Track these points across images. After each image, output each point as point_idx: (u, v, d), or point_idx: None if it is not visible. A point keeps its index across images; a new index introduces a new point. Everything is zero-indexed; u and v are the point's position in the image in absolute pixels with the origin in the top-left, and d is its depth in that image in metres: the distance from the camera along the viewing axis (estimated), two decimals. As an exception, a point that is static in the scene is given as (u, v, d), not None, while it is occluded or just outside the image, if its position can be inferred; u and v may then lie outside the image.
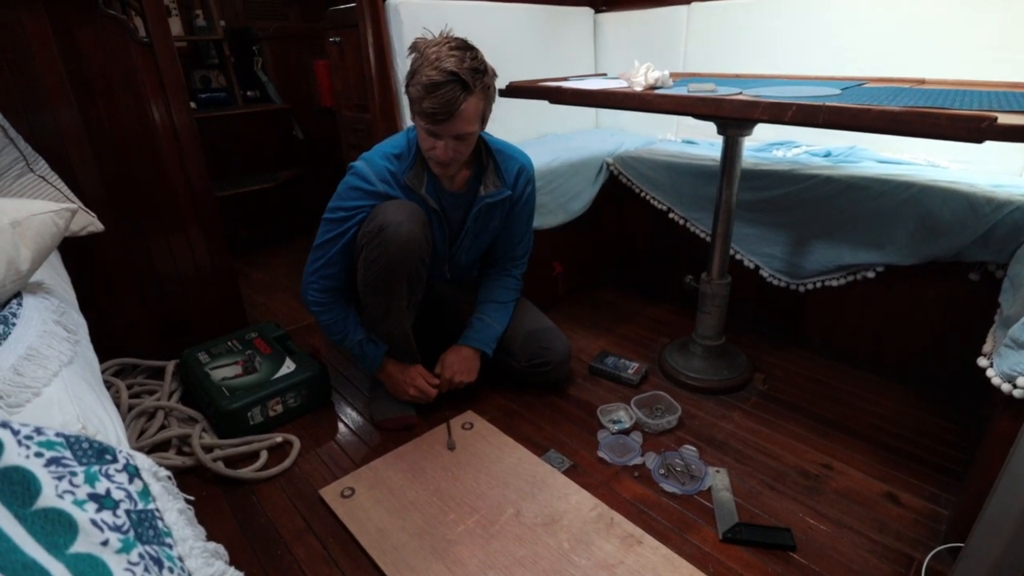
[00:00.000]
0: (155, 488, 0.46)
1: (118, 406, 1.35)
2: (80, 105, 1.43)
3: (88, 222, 1.25)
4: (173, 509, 0.46)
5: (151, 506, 0.44)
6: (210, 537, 1.20)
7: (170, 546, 0.42)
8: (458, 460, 1.29)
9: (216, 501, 1.20)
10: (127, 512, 0.41)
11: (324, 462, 1.31)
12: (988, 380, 0.93)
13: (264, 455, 1.31)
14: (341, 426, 1.45)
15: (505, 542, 1.07)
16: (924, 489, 1.19)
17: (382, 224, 1.22)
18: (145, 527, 0.41)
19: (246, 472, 1.25)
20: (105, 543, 0.37)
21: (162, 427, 1.36)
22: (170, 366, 1.54)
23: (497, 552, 1.05)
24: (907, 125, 0.83)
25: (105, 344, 1.54)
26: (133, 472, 0.46)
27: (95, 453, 0.44)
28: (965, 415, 1.41)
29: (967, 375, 1.41)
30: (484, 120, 1.24)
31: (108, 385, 1.42)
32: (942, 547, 1.05)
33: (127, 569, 0.36)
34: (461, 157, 1.25)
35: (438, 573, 1.01)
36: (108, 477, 0.43)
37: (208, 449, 1.29)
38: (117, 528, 0.39)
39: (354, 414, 1.48)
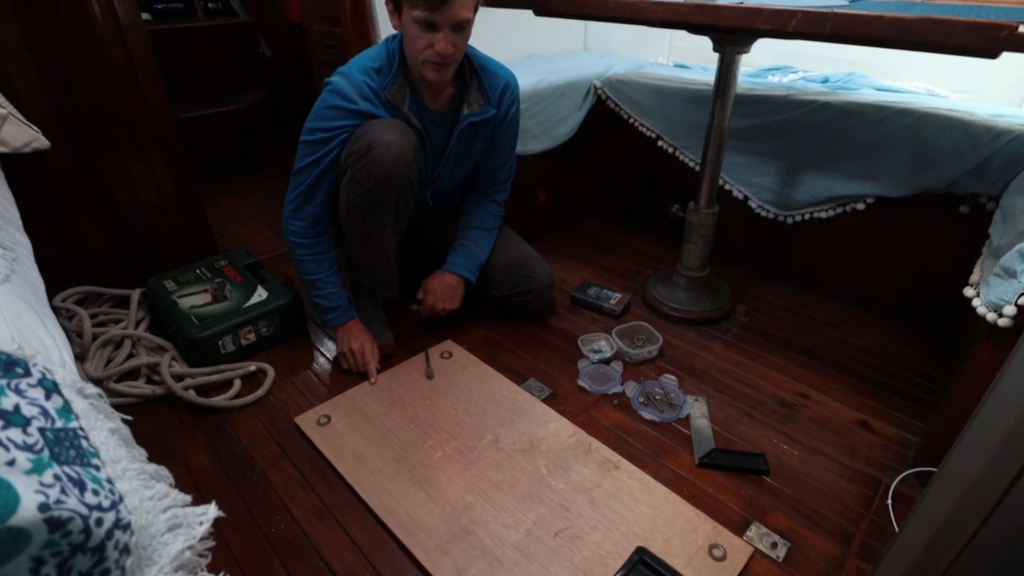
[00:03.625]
0: (79, 405, 0.42)
1: (81, 335, 1.29)
2: (17, 15, 1.28)
3: (32, 137, 1.15)
4: (103, 428, 0.42)
5: (72, 424, 0.40)
6: (182, 465, 1.17)
7: (96, 467, 0.38)
8: (437, 388, 1.27)
9: (188, 430, 1.18)
10: (40, 430, 0.37)
11: (300, 391, 1.29)
12: (971, 311, 0.93)
13: (237, 383, 1.28)
14: (317, 355, 1.41)
15: (483, 467, 1.07)
16: (896, 417, 1.21)
17: (371, 143, 1.14)
18: (64, 447, 0.37)
19: (219, 400, 1.22)
20: (11, 463, 0.33)
21: (130, 356, 1.32)
22: (135, 294, 1.48)
23: (475, 477, 1.05)
24: (920, 34, 0.77)
25: (64, 271, 1.47)
26: (51, 387, 0.41)
27: (2, 366, 0.39)
28: (941, 348, 1.42)
29: (947, 309, 1.42)
30: (475, 12, 1.15)
31: (71, 314, 1.36)
32: (910, 471, 1.07)
33: (38, 491, 0.33)
34: (459, 54, 1.17)
35: (416, 497, 1.01)
36: (18, 392, 0.38)
37: (179, 378, 1.26)
38: (28, 447, 0.35)
39: (330, 343, 1.45)
